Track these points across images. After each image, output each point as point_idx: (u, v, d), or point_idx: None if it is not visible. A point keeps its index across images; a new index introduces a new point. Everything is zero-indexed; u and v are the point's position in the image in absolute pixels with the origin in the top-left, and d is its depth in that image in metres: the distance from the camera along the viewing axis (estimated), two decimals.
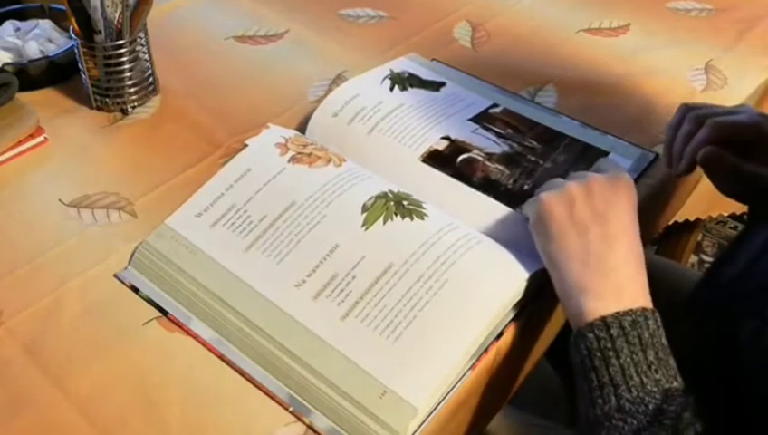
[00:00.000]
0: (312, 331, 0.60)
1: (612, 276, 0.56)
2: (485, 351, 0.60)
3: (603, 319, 0.53)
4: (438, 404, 0.57)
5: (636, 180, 0.73)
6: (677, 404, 0.52)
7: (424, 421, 0.56)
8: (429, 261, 0.62)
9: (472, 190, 0.70)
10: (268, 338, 0.60)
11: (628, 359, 0.52)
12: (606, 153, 0.76)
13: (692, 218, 1.05)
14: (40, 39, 0.89)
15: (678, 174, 0.69)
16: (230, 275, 0.64)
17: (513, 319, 0.62)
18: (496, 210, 0.69)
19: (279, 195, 0.68)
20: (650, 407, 0.51)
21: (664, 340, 0.54)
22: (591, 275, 0.56)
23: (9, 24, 0.91)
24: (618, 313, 0.53)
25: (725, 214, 1.10)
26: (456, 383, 0.58)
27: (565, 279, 0.57)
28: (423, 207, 0.66)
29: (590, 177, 0.61)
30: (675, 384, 0.53)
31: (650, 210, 0.82)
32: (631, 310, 0.54)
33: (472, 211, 0.69)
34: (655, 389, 0.52)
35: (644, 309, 0.54)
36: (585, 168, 0.70)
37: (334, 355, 0.58)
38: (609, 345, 0.53)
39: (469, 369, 0.59)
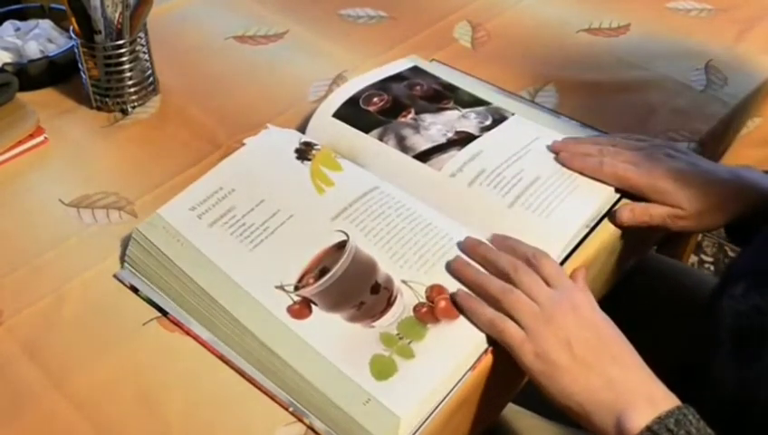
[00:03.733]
0: (298, 335, 0.59)
1: (638, 387, 0.56)
2: (485, 351, 0.60)
3: (649, 429, 0.52)
4: (434, 411, 0.56)
5: None
6: None
7: (419, 427, 0.55)
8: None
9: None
10: (258, 341, 0.59)
11: None
12: None
13: None
14: (40, 39, 0.89)
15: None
16: (221, 273, 0.62)
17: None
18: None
19: (280, 197, 0.68)
20: None
21: (709, 430, 0.53)
22: (620, 395, 0.55)
23: (9, 24, 0.91)
24: (659, 417, 0.53)
25: None
26: (454, 387, 0.58)
27: (593, 413, 0.56)
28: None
29: (550, 307, 0.59)
30: None
31: None
32: (670, 411, 0.53)
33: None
34: None
35: (679, 407, 0.53)
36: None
37: (320, 361, 0.57)
38: None
39: (469, 370, 0.59)
